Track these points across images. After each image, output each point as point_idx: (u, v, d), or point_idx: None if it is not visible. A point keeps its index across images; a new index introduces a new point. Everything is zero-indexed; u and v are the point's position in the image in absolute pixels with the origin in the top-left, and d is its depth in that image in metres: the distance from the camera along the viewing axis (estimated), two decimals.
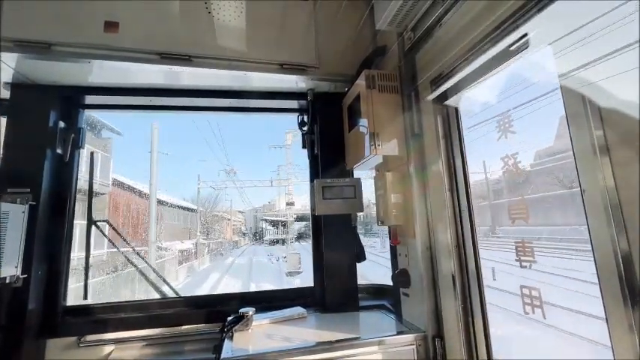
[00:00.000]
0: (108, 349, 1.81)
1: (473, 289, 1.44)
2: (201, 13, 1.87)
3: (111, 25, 1.72)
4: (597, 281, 0.90)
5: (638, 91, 0.80)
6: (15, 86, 1.85)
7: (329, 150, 2.17)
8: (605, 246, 0.88)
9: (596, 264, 0.91)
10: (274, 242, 31.69)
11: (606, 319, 0.88)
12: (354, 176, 2.16)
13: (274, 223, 33.73)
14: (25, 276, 1.67)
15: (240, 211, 38.30)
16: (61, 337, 1.78)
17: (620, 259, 0.84)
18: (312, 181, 2.11)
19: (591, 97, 0.91)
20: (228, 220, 31.90)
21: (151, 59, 1.78)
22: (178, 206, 21.89)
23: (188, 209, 23.55)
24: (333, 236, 2.08)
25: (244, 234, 38.31)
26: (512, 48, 1.17)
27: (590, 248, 0.92)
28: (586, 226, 0.93)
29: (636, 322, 0.80)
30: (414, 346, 1.53)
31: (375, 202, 1.90)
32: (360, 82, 1.83)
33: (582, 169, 0.94)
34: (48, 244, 1.83)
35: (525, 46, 1.12)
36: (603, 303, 0.88)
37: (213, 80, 2.02)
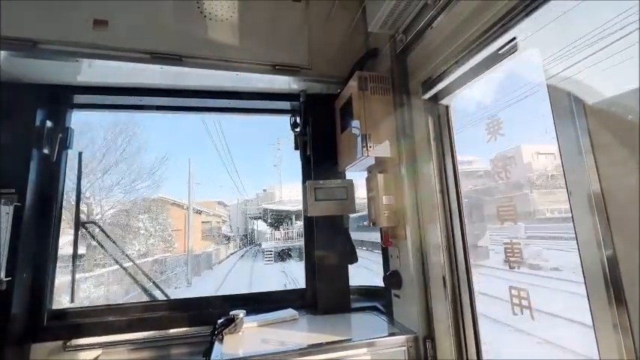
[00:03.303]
0: (95, 353, 1.77)
1: (463, 290, 1.45)
2: (193, 13, 1.85)
3: (100, 23, 1.69)
4: (583, 282, 0.91)
5: (620, 91, 0.81)
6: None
7: (321, 151, 2.16)
8: (591, 247, 0.89)
9: (582, 265, 0.92)
10: (285, 255, 17.73)
11: (592, 319, 0.89)
12: (347, 178, 2.16)
13: (278, 219, 21.59)
14: (10, 279, 1.62)
15: (221, 203, 24.75)
16: (47, 342, 1.74)
17: (606, 261, 0.86)
18: (304, 182, 2.11)
19: (577, 97, 0.92)
20: (185, 209, 16.13)
21: (142, 58, 1.75)
22: None
23: None
24: (325, 238, 2.08)
25: (228, 238, 24.62)
26: (501, 51, 1.18)
27: (577, 249, 0.93)
28: None
29: (621, 323, 0.82)
30: (405, 348, 1.53)
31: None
32: (353, 83, 1.83)
33: (568, 170, 0.95)
34: (34, 246, 1.79)
35: (514, 49, 1.14)
36: (589, 303, 0.90)
37: (204, 81, 2.00)
